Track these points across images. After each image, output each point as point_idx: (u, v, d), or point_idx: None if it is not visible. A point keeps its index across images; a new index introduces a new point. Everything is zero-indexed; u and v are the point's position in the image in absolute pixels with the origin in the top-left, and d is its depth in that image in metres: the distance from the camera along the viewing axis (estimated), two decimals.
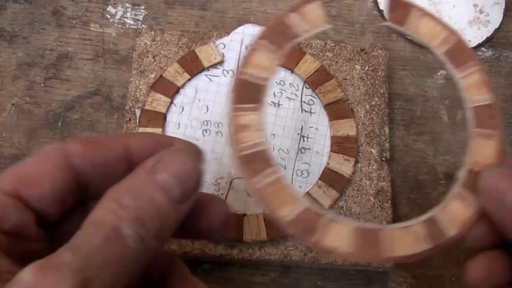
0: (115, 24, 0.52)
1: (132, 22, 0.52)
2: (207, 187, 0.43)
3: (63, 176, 0.28)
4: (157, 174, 0.26)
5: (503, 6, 0.52)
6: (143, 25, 0.51)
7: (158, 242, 0.26)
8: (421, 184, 0.46)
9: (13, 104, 0.48)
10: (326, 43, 0.48)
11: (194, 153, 0.28)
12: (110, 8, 0.52)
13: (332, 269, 0.43)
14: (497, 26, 0.51)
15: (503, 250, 0.31)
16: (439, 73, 0.50)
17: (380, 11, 0.52)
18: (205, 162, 0.29)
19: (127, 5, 0.52)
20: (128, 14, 0.52)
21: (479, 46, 0.51)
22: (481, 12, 0.52)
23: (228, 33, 0.48)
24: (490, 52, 0.51)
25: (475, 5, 0.52)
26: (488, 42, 0.51)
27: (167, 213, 0.26)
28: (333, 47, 0.48)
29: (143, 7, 0.52)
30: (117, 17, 0.52)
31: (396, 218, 0.44)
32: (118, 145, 0.29)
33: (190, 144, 0.30)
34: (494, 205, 0.29)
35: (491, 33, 0.51)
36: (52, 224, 0.28)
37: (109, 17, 0.52)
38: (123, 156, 0.29)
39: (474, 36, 0.51)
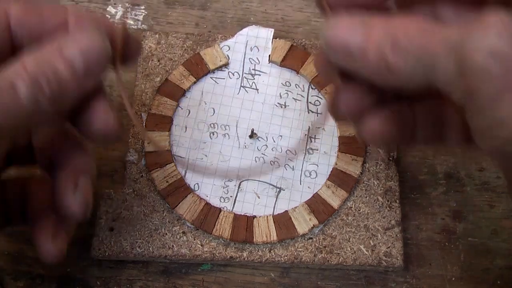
0: (115, 24, 0.51)
1: (132, 22, 0.51)
2: (216, 189, 0.43)
3: None
4: (65, 47, 0.29)
5: None
6: (143, 25, 0.51)
7: (53, 108, 0.28)
8: (421, 184, 0.46)
9: None
10: None
11: (104, 34, 0.30)
12: (110, 8, 0.52)
13: (332, 269, 0.43)
14: None
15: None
16: None
17: None
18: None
19: (127, 5, 0.52)
20: (128, 14, 0.52)
21: None
22: None
23: (231, 35, 0.48)
24: None
25: None
26: None
27: (66, 83, 0.28)
28: None
29: (143, 7, 0.52)
30: (117, 17, 0.51)
31: None
32: (57, 17, 0.31)
33: (108, 25, 0.32)
34: (344, 59, 0.28)
35: None
36: None
37: (109, 17, 0.51)
38: (59, 28, 0.31)
39: None
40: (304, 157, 0.44)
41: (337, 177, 0.44)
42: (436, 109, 0.33)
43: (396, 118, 0.31)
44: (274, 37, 0.48)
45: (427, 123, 0.33)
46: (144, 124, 0.44)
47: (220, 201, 0.43)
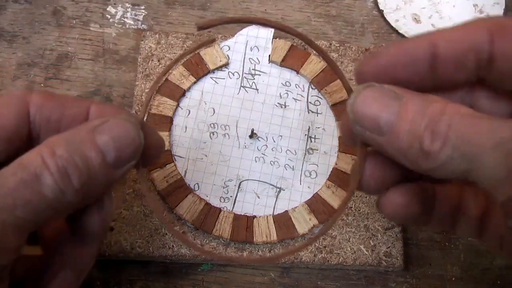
0: (115, 24, 0.51)
1: (132, 22, 0.51)
2: (216, 189, 0.43)
3: (16, 119, 0.28)
4: (98, 134, 0.27)
5: (503, 6, 0.53)
6: (143, 25, 0.51)
7: (79, 199, 0.27)
8: None
9: None
10: (331, 44, 0.48)
11: (139, 125, 0.29)
12: (110, 8, 0.52)
13: (332, 269, 0.43)
14: None
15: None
16: None
17: (380, 11, 0.52)
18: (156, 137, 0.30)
19: (127, 5, 0.52)
20: (128, 14, 0.52)
21: None
22: (481, 12, 0.52)
23: (231, 35, 0.48)
24: None
25: (475, 5, 0.53)
26: None
27: (96, 174, 0.27)
28: (338, 48, 0.48)
29: (143, 7, 0.52)
30: (117, 17, 0.51)
31: None
32: (78, 107, 0.30)
33: (139, 119, 0.30)
34: (372, 134, 0.26)
35: None
36: None
37: (109, 17, 0.51)
38: (80, 118, 0.30)
39: None
40: (304, 157, 0.44)
41: (337, 177, 0.44)
42: (456, 195, 0.31)
43: (419, 195, 0.30)
44: (274, 37, 0.48)
45: (446, 207, 0.31)
46: None
47: (220, 201, 0.43)
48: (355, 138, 0.29)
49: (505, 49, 0.26)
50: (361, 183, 0.30)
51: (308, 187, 0.44)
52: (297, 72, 0.47)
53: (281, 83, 0.47)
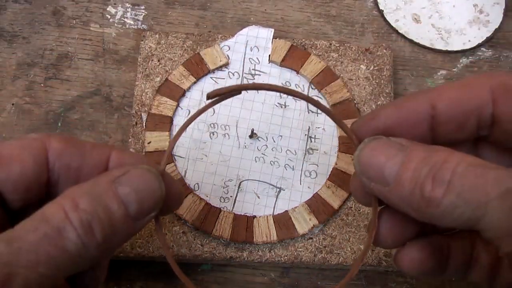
0: (115, 24, 0.51)
1: (132, 22, 0.51)
2: (216, 189, 0.43)
3: (35, 166, 0.27)
4: (119, 185, 0.26)
5: (503, 6, 0.53)
6: (143, 25, 0.51)
7: (101, 253, 0.26)
8: None
9: (13, 104, 0.47)
10: (331, 44, 0.48)
11: (160, 176, 0.28)
12: (110, 8, 0.52)
13: (332, 269, 0.43)
14: (497, 26, 0.52)
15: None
16: (439, 73, 0.50)
17: (380, 11, 0.52)
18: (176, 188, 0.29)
19: (127, 5, 0.52)
20: (128, 14, 0.52)
21: (479, 46, 0.51)
22: (481, 12, 0.52)
23: (231, 35, 0.48)
24: (490, 52, 0.51)
25: (475, 5, 0.53)
26: (488, 42, 0.52)
27: (118, 226, 0.26)
28: (338, 48, 0.48)
29: (143, 7, 0.52)
30: (117, 17, 0.51)
31: None
32: (98, 154, 0.29)
33: (161, 170, 0.29)
34: (377, 185, 0.27)
35: (491, 33, 0.52)
36: (13, 212, 0.28)
37: (109, 17, 0.51)
38: (100, 166, 0.29)
39: (474, 36, 0.51)
40: (304, 157, 0.44)
41: (337, 177, 0.43)
42: (468, 245, 0.31)
43: (434, 250, 0.30)
44: (274, 37, 0.48)
45: (459, 259, 0.31)
46: (144, 125, 0.44)
47: (220, 201, 0.43)
48: (367, 195, 0.29)
49: (509, 110, 0.26)
50: (377, 238, 0.30)
51: (308, 187, 0.44)
52: (297, 72, 0.47)
53: (281, 83, 0.47)
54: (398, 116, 0.28)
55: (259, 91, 0.46)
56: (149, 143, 0.44)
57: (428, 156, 0.25)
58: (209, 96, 0.29)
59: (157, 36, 0.48)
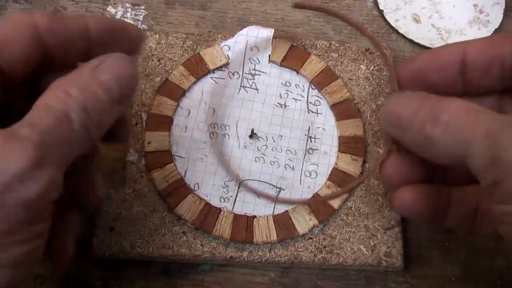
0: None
1: (132, 22, 0.51)
2: (216, 189, 0.43)
3: (31, 44, 0.29)
4: (101, 73, 0.29)
5: (503, 6, 0.53)
6: (143, 25, 0.51)
7: (98, 135, 0.29)
8: None
9: None
10: (331, 44, 0.48)
11: (133, 60, 0.31)
12: (110, 8, 0.52)
13: (332, 269, 0.43)
14: (497, 26, 0.52)
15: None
16: None
17: (380, 11, 0.52)
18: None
19: (127, 5, 0.52)
20: (128, 14, 0.52)
21: None
22: (481, 12, 0.52)
23: (231, 35, 0.48)
24: None
25: (475, 5, 0.53)
26: None
27: (107, 109, 0.29)
28: (338, 48, 0.48)
29: (143, 7, 0.52)
30: (117, 17, 0.51)
31: None
32: (79, 23, 0.31)
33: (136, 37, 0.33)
34: (395, 129, 0.31)
35: (491, 33, 0.51)
36: (14, 87, 0.30)
37: (109, 17, 0.51)
38: (83, 34, 0.31)
39: (474, 36, 0.51)
40: (304, 157, 0.44)
41: (337, 177, 0.44)
42: (471, 199, 0.34)
43: (430, 195, 0.33)
44: (274, 37, 0.48)
45: (460, 210, 0.34)
46: (144, 125, 0.44)
47: (220, 201, 0.43)
48: (388, 137, 0.34)
49: None
50: (383, 173, 0.35)
51: (308, 187, 0.44)
52: (297, 72, 0.47)
53: (281, 83, 0.47)
54: (433, 60, 0.33)
55: (259, 91, 0.46)
56: (149, 143, 0.44)
57: (438, 103, 0.29)
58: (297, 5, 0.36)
59: (157, 36, 0.48)
